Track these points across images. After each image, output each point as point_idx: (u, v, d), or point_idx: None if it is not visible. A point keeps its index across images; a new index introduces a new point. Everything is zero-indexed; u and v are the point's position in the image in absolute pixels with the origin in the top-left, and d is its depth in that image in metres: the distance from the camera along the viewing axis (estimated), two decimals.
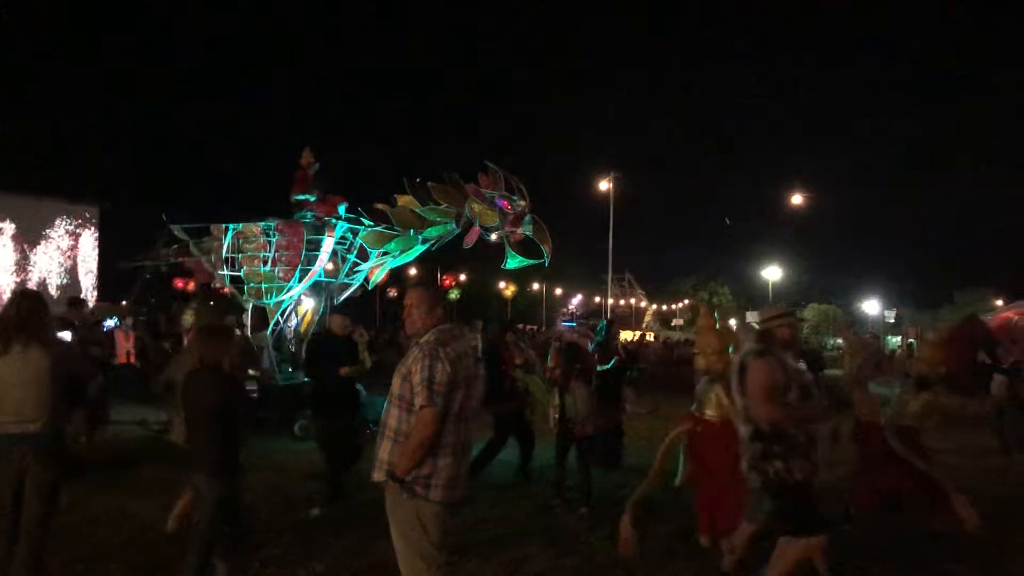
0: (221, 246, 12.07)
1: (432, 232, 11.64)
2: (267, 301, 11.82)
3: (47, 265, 30.34)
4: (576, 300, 59.65)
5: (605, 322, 11.10)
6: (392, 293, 31.63)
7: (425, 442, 3.59)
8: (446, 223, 11.53)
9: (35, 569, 4.44)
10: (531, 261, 11.60)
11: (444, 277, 40.35)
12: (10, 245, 29.17)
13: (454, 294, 40.33)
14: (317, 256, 11.79)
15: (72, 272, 31.01)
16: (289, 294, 11.84)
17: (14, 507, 4.40)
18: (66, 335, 9.08)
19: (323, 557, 5.72)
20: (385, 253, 11.91)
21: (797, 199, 28.57)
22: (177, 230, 12.62)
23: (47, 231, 30.30)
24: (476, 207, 11.27)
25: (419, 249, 11.95)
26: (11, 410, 4.33)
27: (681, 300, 71.97)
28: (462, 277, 45.85)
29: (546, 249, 11.40)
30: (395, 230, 11.60)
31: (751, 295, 62.62)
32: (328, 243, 11.82)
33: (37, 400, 4.36)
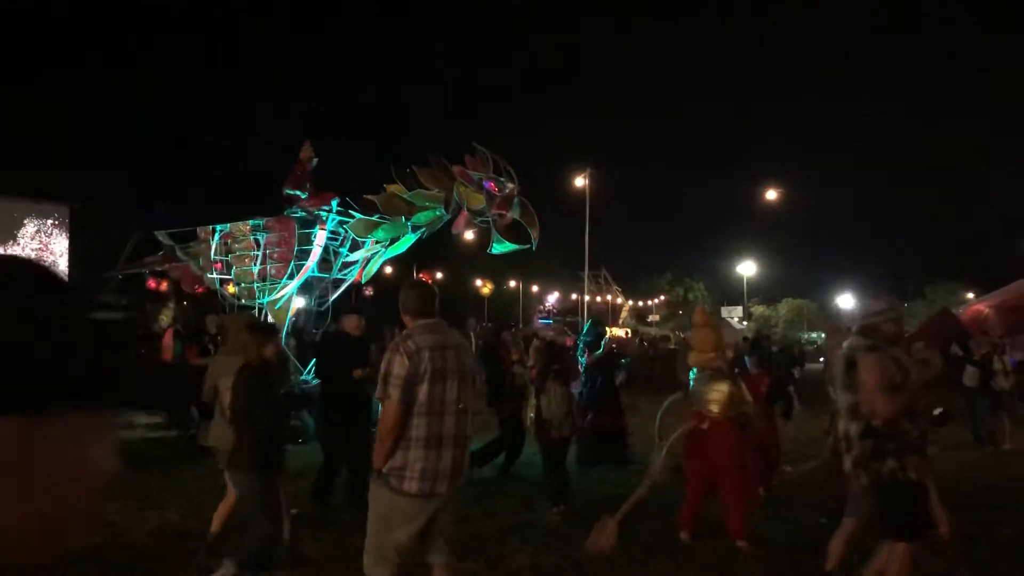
0: (209, 248, 11.88)
1: (421, 218, 11.38)
2: (260, 300, 11.64)
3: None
4: (552, 297, 59.73)
5: (591, 321, 11.04)
6: (368, 292, 31.40)
7: (386, 434, 3.70)
8: (435, 208, 11.33)
9: None
10: (517, 246, 11.43)
11: (420, 275, 40.18)
12: None
13: None
14: (309, 251, 11.60)
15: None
16: (283, 291, 11.66)
17: None
18: None
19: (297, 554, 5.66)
20: (376, 243, 11.70)
21: (771, 195, 28.72)
22: (162, 236, 12.45)
23: (15, 232, 29.90)
24: (463, 190, 11.05)
25: (410, 239, 11.68)
26: None
27: (657, 297, 72.33)
28: (439, 275, 45.72)
29: (533, 233, 11.23)
30: (384, 218, 11.45)
31: (726, 291, 63.11)
32: (320, 236, 11.55)
33: None
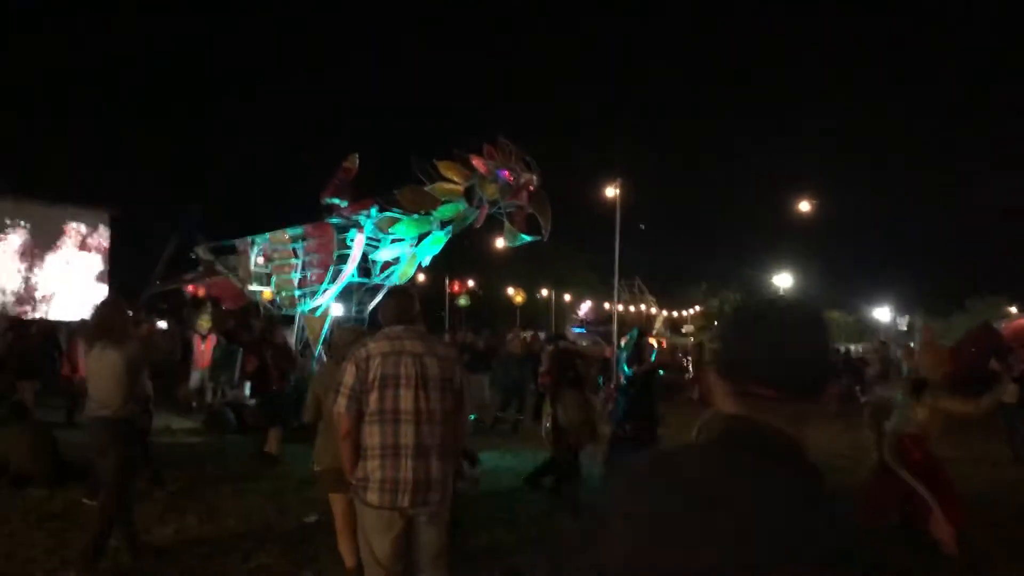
0: (248, 261, 11.88)
1: (445, 212, 11.30)
2: (302, 308, 11.63)
3: (57, 270, 30.48)
4: (585, 306, 59.50)
5: (636, 331, 10.82)
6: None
7: (341, 442, 3.70)
8: (457, 202, 11.26)
9: (106, 529, 5.25)
10: (528, 238, 11.35)
11: (452, 283, 40.26)
12: (20, 249, 29.34)
13: (464, 300, 40.19)
14: (348, 256, 11.58)
15: (82, 277, 31.12)
16: (324, 297, 11.64)
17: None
18: None
19: (313, 566, 5.61)
20: (398, 240, 11.61)
21: (807, 206, 28.32)
22: (201, 250, 12.55)
23: (57, 236, 30.46)
24: (482, 181, 11.04)
25: (440, 237, 11.56)
26: (96, 397, 5.28)
27: (692, 306, 71.77)
28: (470, 283, 45.78)
29: (544, 223, 11.12)
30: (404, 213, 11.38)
31: None
32: (359, 239, 11.58)
33: (112, 390, 5.21)
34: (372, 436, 3.59)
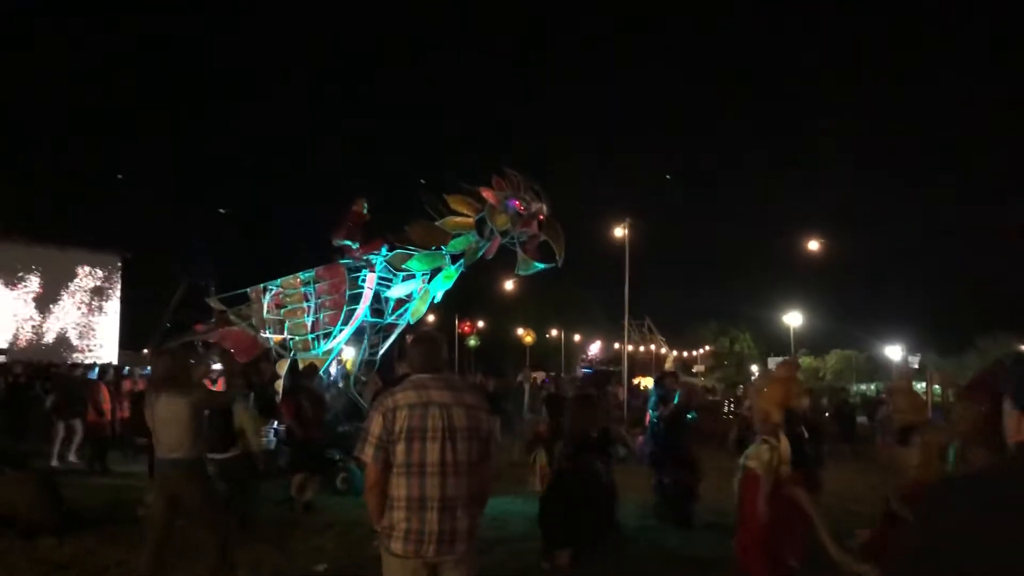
0: (261, 308, 11.91)
1: (457, 245, 11.39)
2: (316, 351, 11.65)
3: (69, 313, 30.69)
4: (595, 347, 59.36)
5: (657, 377, 10.75)
6: (410, 339, 31.36)
7: (367, 492, 3.72)
8: (467, 234, 11.37)
9: (223, 563, 5.69)
10: (542, 266, 11.41)
11: (462, 324, 40.30)
12: (34, 295, 29.58)
13: (473, 341, 40.19)
14: (360, 296, 11.64)
15: (94, 319, 31.30)
16: (338, 339, 11.68)
17: (167, 518, 5.61)
18: None
19: None
20: (410, 277, 11.68)
21: (815, 244, 28.31)
22: (213, 302, 12.63)
23: (70, 280, 30.72)
24: (491, 212, 11.14)
25: (451, 272, 11.62)
26: (164, 441, 5.56)
27: (702, 346, 71.48)
28: (480, 324, 45.79)
29: (558, 250, 11.19)
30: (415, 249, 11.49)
31: (772, 341, 62.13)
32: (371, 279, 11.67)
33: (180, 433, 5.52)
34: (399, 488, 3.60)
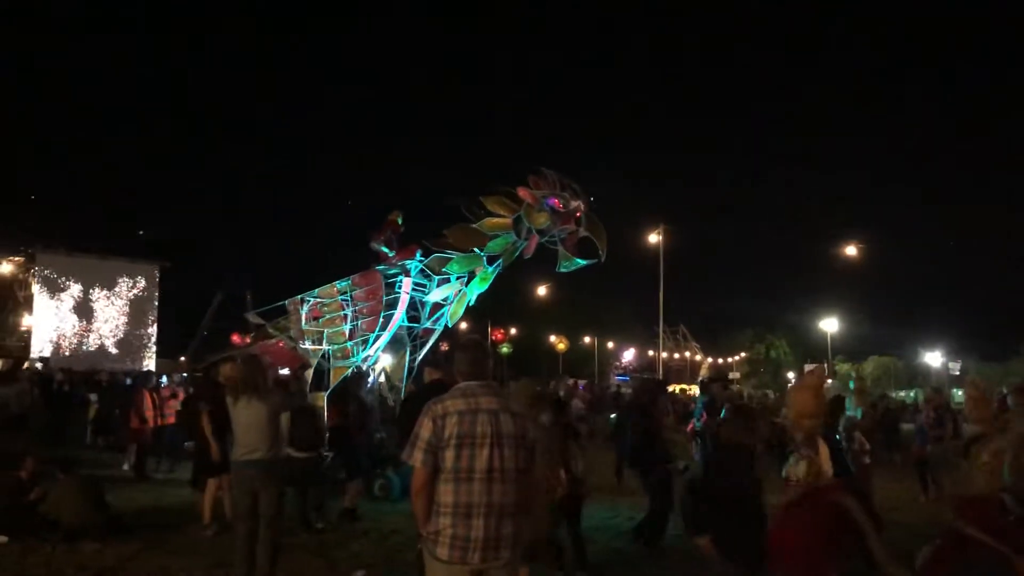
0: (299, 319, 11.99)
1: (495, 246, 11.47)
2: (356, 359, 11.71)
3: (109, 322, 31.18)
4: (628, 354, 59.07)
5: (701, 382, 10.59)
6: (444, 347, 31.46)
7: (415, 496, 3.71)
8: (506, 235, 11.43)
9: (275, 559, 5.99)
10: (584, 262, 11.40)
11: (494, 331, 40.29)
12: (76, 303, 30.12)
13: (505, 349, 40.16)
14: (397, 301, 11.70)
15: (132, 328, 31.77)
16: (376, 345, 11.75)
17: (252, 515, 5.94)
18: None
19: None
20: (445, 280, 11.73)
21: (852, 250, 27.96)
22: (251, 316, 12.76)
23: (110, 289, 31.22)
24: (529, 211, 11.19)
25: (489, 273, 11.69)
26: (244, 443, 5.97)
27: (737, 353, 70.90)
28: (512, 331, 45.75)
29: (601, 246, 11.20)
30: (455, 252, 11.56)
31: (809, 348, 61.37)
32: (406, 283, 11.76)
33: (259, 436, 5.93)
34: (446, 494, 3.60)
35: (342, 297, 11.85)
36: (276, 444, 6.08)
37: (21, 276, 31.68)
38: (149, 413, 12.62)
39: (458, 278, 11.77)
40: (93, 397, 15.46)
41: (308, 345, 11.85)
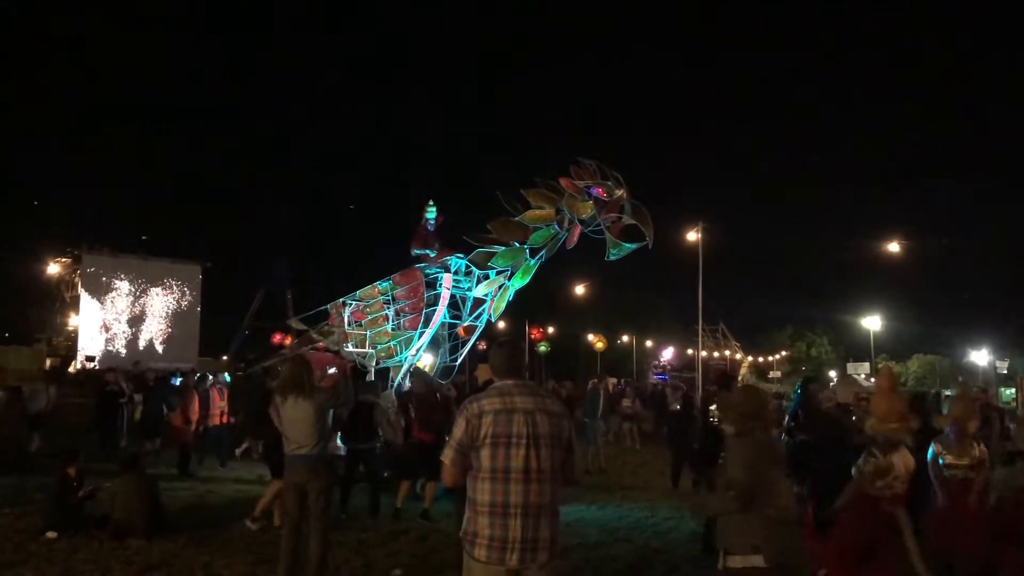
0: (342, 322, 12.08)
1: (537, 238, 11.53)
2: (400, 357, 11.81)
3: (153, 321, 31.71)
4: (668, 353, 58.66)
5: (800, 383, 10.13)
6: (481, 346, 31.50)
7: (449, 488, 3.74)
8: (548, 227, 11.45)
9: (325, 551, 6.15)
10: (632, 246, 11.39)
11: (532, 330, 40.25)
12: (120, 303, 30.69)
13: (543, 347, 40.12)
14: (438, 298, 11.84)
15: (175, 328, 32.27)
16: (420, 342, 11.84)
17: (300, 508, 6.13)
18: None
19: None
20: (495, 273, 11.78)
21: (896, 247, 27.46)
22: (294, 322, 12.92)
23: (154, 289, 31.74)
24: (571, 201, 11.18)
25: (531, 265, 11.75)
26: (293, 439, 6.19)
27: (778, 352, 70.06)
28: (550, 330, 45.67)
29: (647, 232, 11.19)
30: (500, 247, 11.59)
31: (851, 346, 60.45)
32: (447, 279, 11.85)
33: (306, 431, 6.16)
34: (483, 493, 3.61)
35: (383, 297, 11.95)
36: (322, 440, 6.30)
37: (68, 277, 32.32)
38: (194, 416, 12.66)
39: (499, 272, 11.82)
40: (138, 397, 15.68)
41: (351, 348, 11.96)
